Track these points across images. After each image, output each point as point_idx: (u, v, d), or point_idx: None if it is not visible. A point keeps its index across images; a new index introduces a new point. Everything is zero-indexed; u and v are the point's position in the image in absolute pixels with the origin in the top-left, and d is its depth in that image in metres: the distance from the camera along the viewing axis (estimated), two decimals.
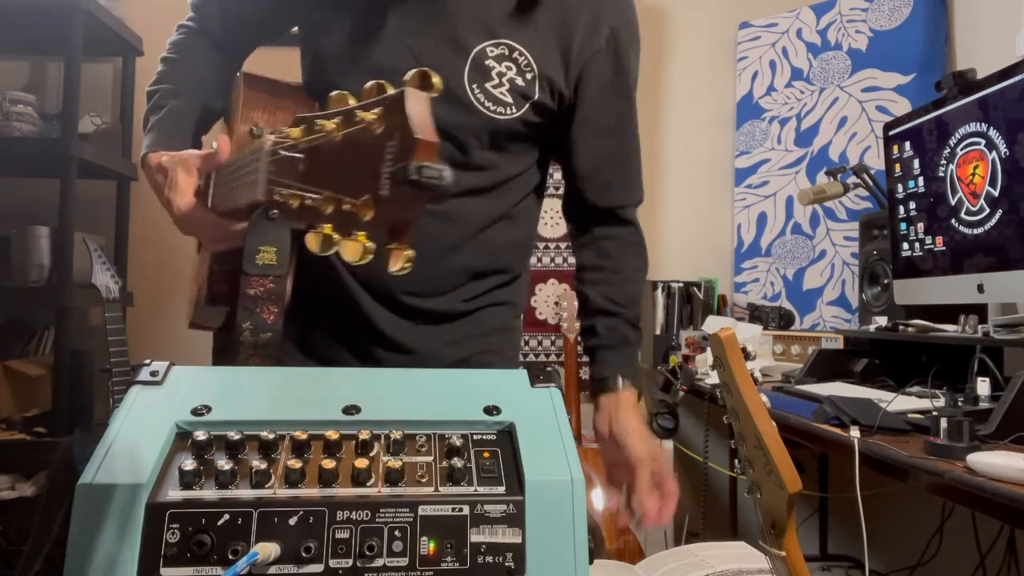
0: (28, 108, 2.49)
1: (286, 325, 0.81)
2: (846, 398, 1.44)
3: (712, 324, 2.49)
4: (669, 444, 2.53)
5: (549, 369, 0.78)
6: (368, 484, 0.63)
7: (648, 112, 2.96)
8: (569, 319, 2.51)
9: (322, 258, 1.01)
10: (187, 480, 0.61)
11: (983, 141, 1.63)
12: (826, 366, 1.91)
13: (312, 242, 0.51)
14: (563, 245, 2.87)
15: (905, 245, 1.92)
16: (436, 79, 0.45)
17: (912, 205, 1.90)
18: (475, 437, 0.69)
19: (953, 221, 1.74)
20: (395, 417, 0.70)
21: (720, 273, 2.93)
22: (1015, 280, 1.54)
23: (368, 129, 0.44)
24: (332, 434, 0.66)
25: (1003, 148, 1.57)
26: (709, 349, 0.74)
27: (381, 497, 0.62)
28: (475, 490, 0.64)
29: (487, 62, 1.01)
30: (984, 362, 1.46)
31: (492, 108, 1.02)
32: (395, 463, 0.64)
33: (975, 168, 1.66)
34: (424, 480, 0.64)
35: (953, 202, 1.74)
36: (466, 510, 0.63)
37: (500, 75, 1.02)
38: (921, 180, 1.86)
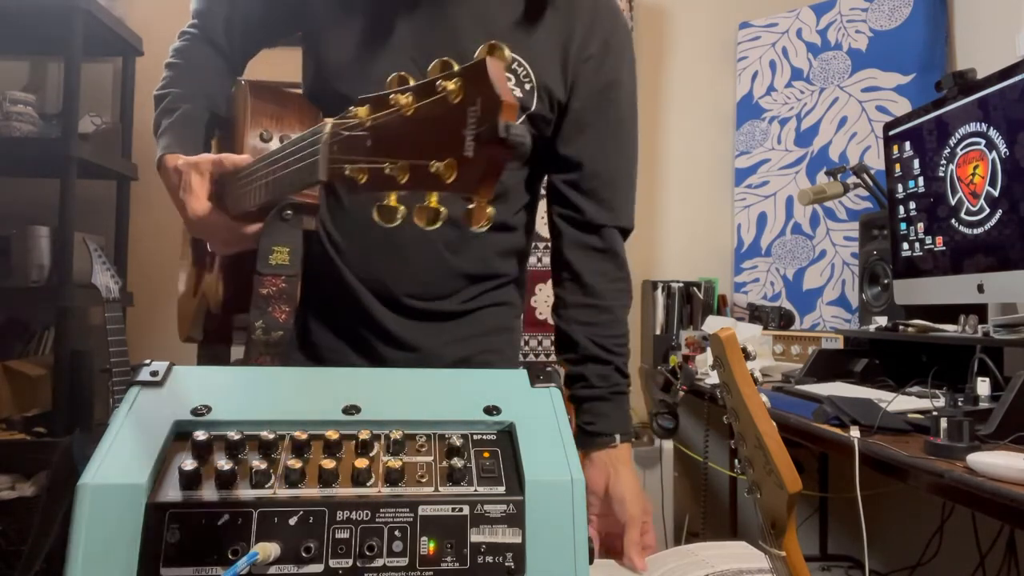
0: (28, 108, 2.49)
1: None
2: (846, 398, 1.44)
3: (712, 324, 2.49)
4: (669, 444, 2.53)
5: (549, 369, 0.78)
6: (368, 484, 0.63)
7: (648, 112, 2.96)
8: None
9: (326, 259, 1.05)
10: (187, 480, 0.61)
11: (983, 141, 1.63)
12: (826, 366, 1.91)
13: (381, 214, 0.54)
14: None
15: (905, 245, 1.92)
16: (506, 51, 0.48)
17: (912, 205, 1.90)
18: (475, 437, 0.69)
19: (953, 221, 1.74)
20: (395, 417, 0.70)
21: (720, 273, 2.93)
22: (1015, 280, 1.54)
23: (446, 99, 0.47)
24: (332, 434, 0.66)
25: (1003, 148, 1.57)
26: (709, 349, 0.74)
27: (381, 497, 0.62)
28: (475, 490, 0.64)
29: None
30: (984, 362, 1.46)
31: None
32: (395, 463, 0.64)
33: (975, 168, 1.66)
34: (424, 480, 0.64)
35: (953, 202, 1.74)
36: (466, 510, 0.63)
37: None
38: (921, 180, 1.86)
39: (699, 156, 3.02)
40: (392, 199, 0.53)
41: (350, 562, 0.60)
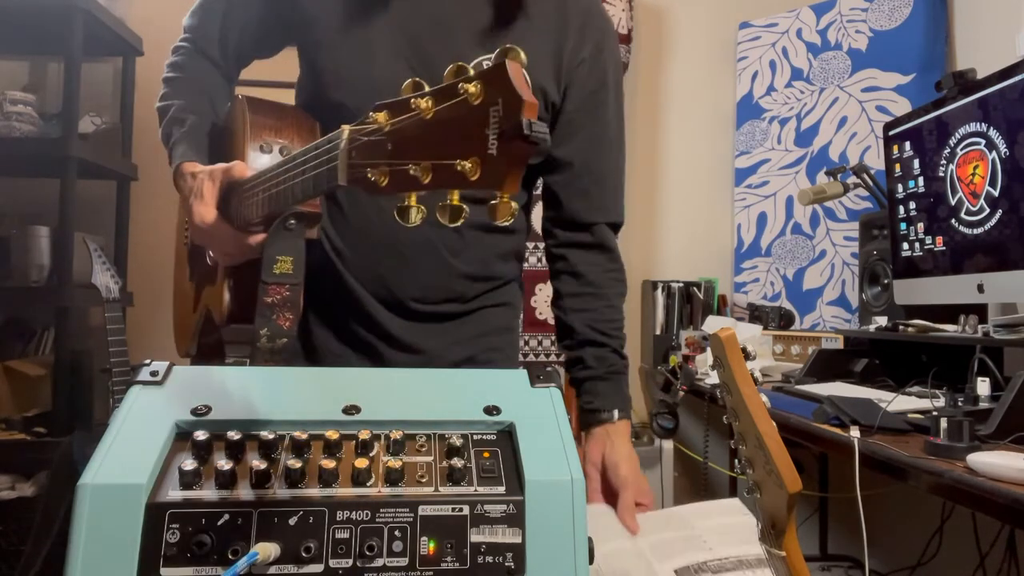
0: (28, 108, 2.48)
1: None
2: (846, 398, 1.44)
3: (712, 324, 2.49)
4: (669, 444, 2.53)
5: (549, 369, 0.78)
6: (368, 484, 0.63)
7: (648, 112, 2.96)
8: None
9: (328, 265, 1.07)
10: (187, 480, 0.61)
11: (983, 141, 1.63)
12: (826, 366, 1.91)
13: (404, 215, 0.56)
14: None
15: (905, 245, 1.92)
16: (522, 54, 0.50)
17: (912, 205, 1.90)
18: (475, 437, 0.69)
19: (953, 221, 1.74)
20: (395, 417, 0.70)
21: (720, 273, 2.93)
22: (1015, 280, 1.54)
23: (467, 101, 0.49)
24: (332, 434, 0.66)
25: (1003, 148, 1.57)
26: (709, 349, 0.74)
27: (381, 497, 0.62)
28: (475, 490, 0.64)
29: None
30: (984, 362, 1.46)
31: None
32: (395, 463, 0.64)
33: (975, 168, 1.66)
34: (424, 480, 0.64)
35: (953, 202, 1.74)
36: (466, 510, 0.63)
37: None
38: (921, 180, 1.86)
39: (699, 156, 3.02)
40: (412, 200, 0.55)
41: (350, 562, 0.60)
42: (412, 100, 0.53)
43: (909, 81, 2.52)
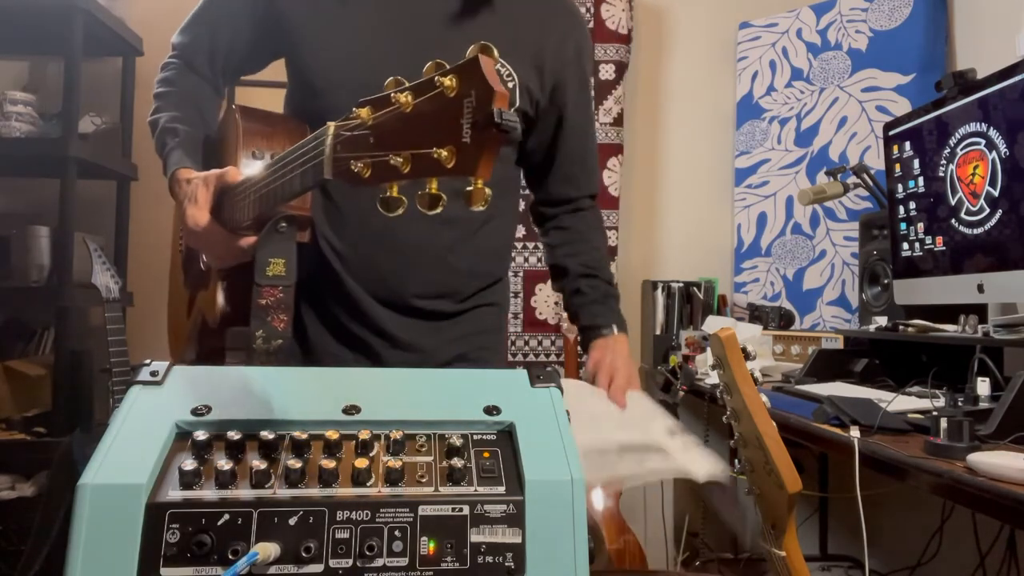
0: (28, 108, 2.48)
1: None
2: (846, 398, 1.44)
3: (712, 324, 2.49)
4: None
5: (549, 369, 0.78)
6: (368, 484, 0.63)
7: (648, 112, 2.96)
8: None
9: (326, 266, 1.09)
10: (187, 480, 0.61)
11: (983, 141, 1.63)
12: (826, 366, 1.91)
13: (384, 205, 0.59)
14: None
15: (905, 245, 1.92)
16: (494, 51, 0.54)
17: (912, 205, 1.90)
18: (475, 437, 0.69)
19: (953, 221, 1.74)
20: (395, 417, 0.70)
21: (720, 273, 2.92)
22: (1015, 280, 1.54)
23: (443, 94, 0.53)
24: (332, 434, 0.66)
25: (1003, 148, 1.57)
26: (709, 349, 0.74)
27: (381, 497, 0.62)
28: (475, 490, 0.64)
29: None
30: (984, 362, 1.46)
31: None
32: (395, 463, 0.64)
33: (975, 168, 1.66)
34: (424, 480, 0.64)
35: (953, 202, 1.74)
36: (466, 510, 0.63)
37: None
38: (921, 180, 1.86)
39: (699, 156, 3.02)
40: (394, 190, 0.58)
41: (350, 562, 0.60)
42: (392, 95, 0.56)
43: (909, 81, 2.52)
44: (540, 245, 2.88)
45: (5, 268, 2.43)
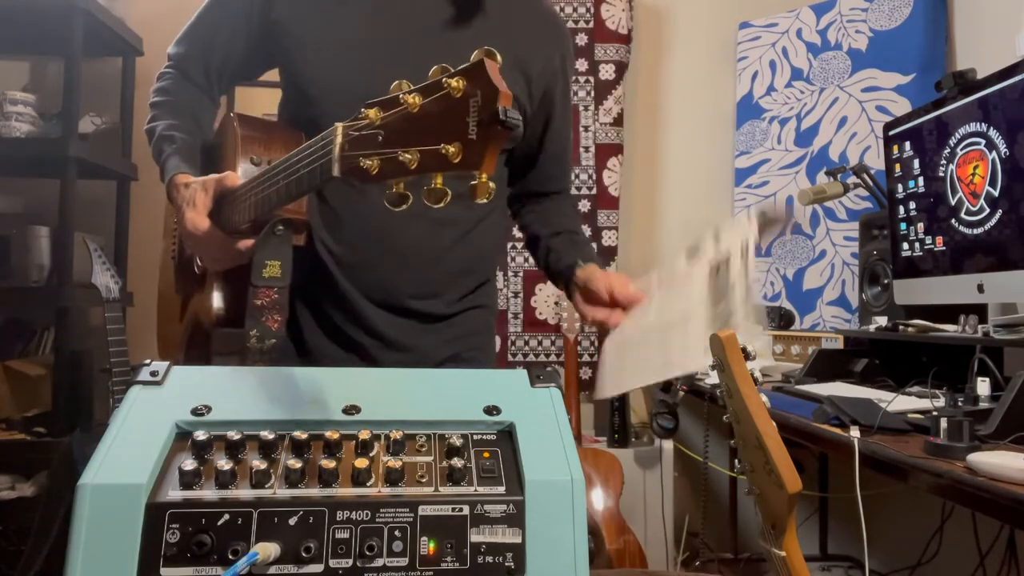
0: (28, 108, 2.48)
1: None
2: (846, 398, 1.44)
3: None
4: (669, 444, 2.53)
5: (549, 369, 0.79)
6: (368, 484, 0.63)
7: (648, 112, 2.96)
8: (569, 319, 2.50)
9: (322, 268, 1.10)
10: (187, 480, 0.61)
11: (983, 141, 1.63)
12: (826, 366, 1.91)
13: (390, 201, 0.61)
14: None
15: (905, 245, 1.92)
16: (497, 55, 0.57)
17: (912, 205, 1.90)
18: (475, 437, 0.69)
19: (953, 221, 1.74)
20: (395, 417, 0.70)
21: None
22: (1015, 280, 1.54)
23: (450, 94, 0.56)
24: (332, 434, 0.66)
25: (1003, 148, 1.57)
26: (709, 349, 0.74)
27: (381, 497, 0.62)
28: (475, 490, 0.64)
29: None
30: (984, 362, 1.46)
31: None
32: (395, 463, 0.64)
33: (975, 168, 1.66)
34: (424, 480, 0.64)
35: (953, 202, 1.74)
36: (466, 510, 0.63)
37: None
38: (921, 180, 1.86)
39: (699, 156, 3.02)
40: (400, 186, 0.61)
41: (350, 562, 0.60)
42: (400, 96, 0.59)
43: (909, 81, 2.52)
44: None
45: (5, 268, 2.44)
